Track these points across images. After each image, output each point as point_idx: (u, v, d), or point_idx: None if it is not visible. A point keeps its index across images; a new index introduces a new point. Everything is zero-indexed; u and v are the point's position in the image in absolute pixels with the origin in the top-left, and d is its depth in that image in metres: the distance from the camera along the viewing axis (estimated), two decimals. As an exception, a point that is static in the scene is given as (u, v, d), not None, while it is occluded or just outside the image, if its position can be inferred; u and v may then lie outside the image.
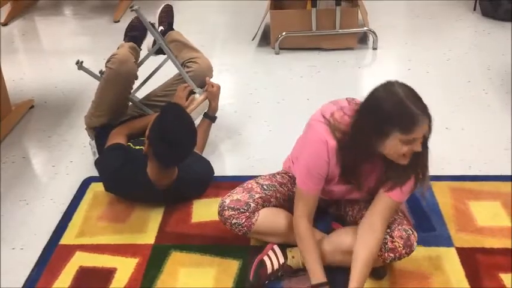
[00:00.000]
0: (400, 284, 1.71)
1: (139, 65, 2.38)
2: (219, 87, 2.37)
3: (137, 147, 2.15)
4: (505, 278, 1.72)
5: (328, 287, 1.63)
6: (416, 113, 1.42)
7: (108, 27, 4.02)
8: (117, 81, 2.24)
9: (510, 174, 2.19)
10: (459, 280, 1.72)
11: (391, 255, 1.63)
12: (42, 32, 4.12)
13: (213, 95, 2.35)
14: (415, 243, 1.65)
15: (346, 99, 1.70)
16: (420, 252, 1.78)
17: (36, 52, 3.75)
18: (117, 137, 2.15)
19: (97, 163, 2.20)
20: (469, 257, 1.79)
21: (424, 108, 1.44)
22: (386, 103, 1.45)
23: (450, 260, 1.80)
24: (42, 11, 4.45)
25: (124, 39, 2.51)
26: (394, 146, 1.46)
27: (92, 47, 3.78)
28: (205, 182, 2.21)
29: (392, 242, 1.63)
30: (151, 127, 1.93)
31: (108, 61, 2.25)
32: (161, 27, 2.60)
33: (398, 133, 1.43)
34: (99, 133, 2.30)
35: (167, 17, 2.67)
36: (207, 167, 2.24)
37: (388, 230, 1.64)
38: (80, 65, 2.25)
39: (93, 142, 2.30)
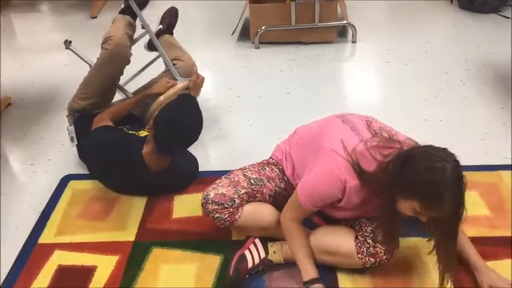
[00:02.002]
0: (381, 273, 1.72)
1: (132, 43, 2.41)
2: (203, 79, 2.38)
3: (130, 132, 2.15)
4: (483, 266, 1.74)
5: (320, 283, 1.64)
6: (446, 202, 1.36)
7: (85, 23, 3.97)
8: (110, 62, 2.27)
9: (487, 164, 2.22)
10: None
11: (372, 259, 1.64)
12: (18, 29, 4.06)
13: (195, 85, 2.34)
14: (396, 250, 1.66)
15: (366, 120, 1.65)
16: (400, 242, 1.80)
17: (13, 49, 3.68)
18: (103, 121, 2.14)
19: (86, 142, 2.17)
20: (448, 246, 1.81)
21: (453, 200, 1.37)
22: (426, 174, 1.36)
23: (429, 249, 1.81)
24: (18, 8, 4.37)
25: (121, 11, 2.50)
26: (405, 208, 1.44)
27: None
28: (191, 176, 2.22)
29: (374, 247, 1.63)
30: (160, 112, 1.94)
31: (104, 42, 2.27)
32: (160, 26, 2.70)
33: (417, 204, 1.40)
34: (78, 119, 2.29)
35: (169, 17, 2.76)
36: (194, 163, 2.25)
37: (372, 235, 1.64)
38: (67, 44, 2.24)
39: (72, 127, 2.28)
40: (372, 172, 1.48)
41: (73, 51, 2.28)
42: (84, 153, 2.28)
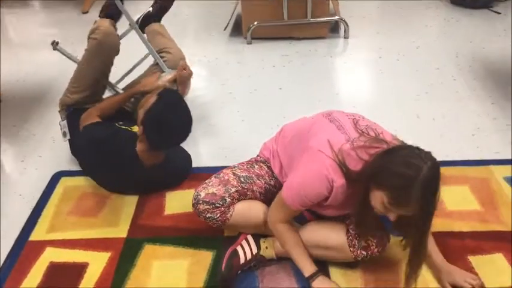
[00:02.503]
0: (372, 267, 1.73)
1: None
2: (190, 73, 2.34)
3: (123, 127, 2.14)
4: (473, 260, 1.76)
5: (321, 275, 1.65)
6: (414, 200, 1.35)
7: (76, 18, 3.95)
8: (99, 52, 2.23)
9: (477, 159, 2.23)
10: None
11: (364, 252, 1.65)
12: (10, 25, 4.03)
13: (182, 79, 2.31)
14: (387, 243, 1.67)
15: (353, 119, 1.63)
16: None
17: (4, 45, 3.65)
18: (91, 118, 2.12)
19: (78, 139, 2.16)
20: (439, 240, 1.80)
21: (422, 201, 1.35)
22: (400, 167, 1.36)
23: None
24: (9, 3, 4.34)
25: (100, 15, 2.48)
26: (375, 200, 1.44)
27: (61, 38, 3.66)
28: (183, 174, 2.21)
29: (365, 240, 1.64)
30: (147, 111, 1.90)
31: (91, 33, 2.23)
32: (150, 9, 2.62)
33: (385, 196, 1.39)
34: (71, 114, 2.27)
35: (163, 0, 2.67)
36: (187, 159, 2.25)
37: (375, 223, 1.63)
38: (55, 45, 2.21)
39: (64, 122, 2.27)
40: (358, 171, 1.48)
41: (61, 51, 2.26)
42: (76, 149, 2.27)
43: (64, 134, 2.26)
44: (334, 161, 1.50)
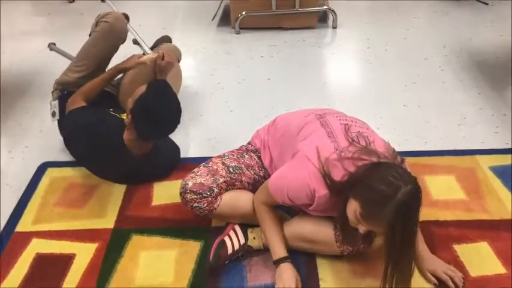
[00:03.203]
0: (360, 260, 1.74)
1: None
2: (169, 64, 2.28)
3: (116, 114, 2.13)
4: (458, 248, 1.77)
5: (288, 261, 1.66)
6: (385, 219, 1.32)
7: (63, 8, 3.90)
8: (108, 35, 2.27)
9: (463, 148, 2.25)
10: (415, 252, 1.77)
11: (350, 248, 1.66)
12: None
13: (160, 67, 2.26)
14: (374, 239, 1.67)
15: (345, 124, 1.60)
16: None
17: (-13, 35, 3.61)
18: (77, 103, 2.11)
19: (64, 123, 2.16)
20: (424, 230, 1.82)
21: (393, 222, 1.31)
22: (378, 183, 1.34)
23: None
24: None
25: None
26: (350, 208, 1.42)
27: (48, 28, 3.65)
28: (173, 163, 2.20)
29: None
30: (136, 100, 1.89)
31: (102, 17, 2.28)
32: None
33: (358, 207, 1.38)
34: (64, 96, 2.25)
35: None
36: (176, 150, 2.24)
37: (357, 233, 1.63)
38: (51, 46, 2.21)
39: (55, 102, 2.25)
40: (341, 182, 1.47)
41: (58, 51, 2.27)
42: (62, 133, 2.25)
43: (53, 114, 2.24)
44: (319, 171, 1.49)
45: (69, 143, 2.21)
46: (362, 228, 1.43)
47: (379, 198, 1.33)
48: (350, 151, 1.51)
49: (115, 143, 1.98)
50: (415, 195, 1.34)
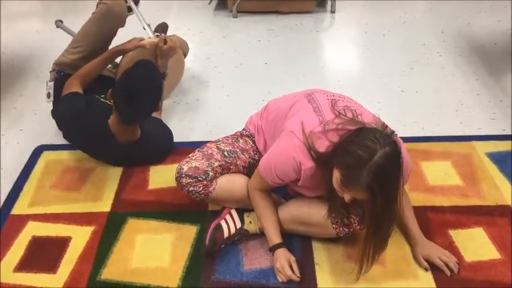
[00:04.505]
0: (354, 243, 1.74)
1: None
2: (171, 48, 2.28)
3: (102, 100, 2.11)
4: (454, 234, 1.78)
5: (283, 247, 1.66)
6: (363, 183, 1.32)
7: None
8: (107, 18, 2.25)
9: (460, 134, 2.25)
10: (410, 237, 1.78)
11: (345, 229, 1.66)
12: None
13: (160, 51, 2.26)
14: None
15: (332, 100, 1.59)
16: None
17: (-19, 16, 3.56)
18: (73, 87, 2.10)
19: (55, 108, 2.16)
20: (420, 215, 1.83)
21: (372, 184, 1.31)
22: (355, 147, 1.33)
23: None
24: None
25: None
26: (334, 178, 1.42)
27: (42, 10, 3.61)
28: (165, 150, 2.19)
29: (348, 217, 1.64)
30: (118, 79, 1.90)
31: (100, 1, 2.26)
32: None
33: (339, 174, 1.38)
34: (61, 78, 2.24)
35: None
36: (168, 135, 2.22)
37: (346, 207, 1.64)
38: (58, 23, 2.19)
39: (51, 83, 2.24)
40: (326, 153, 1.47)
41: (64, 29, 2.26)
42: (54, 118, 2.24)
43: (48, 95, 2.23)
44: (303, 144, 1.49)
45: (60, 128, 2.21)
46: (347, 197, 1.43)
47: (355, 162, 1.32)
48: (335, 123, 1.50)
49: (101, 130, 1.97)
50: (392, 157, 1.33)
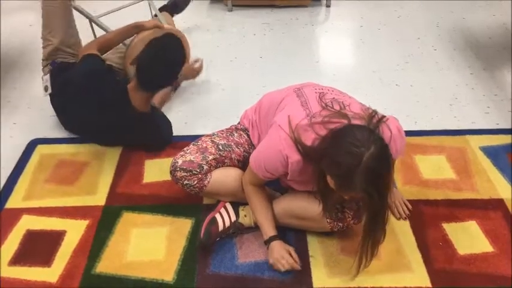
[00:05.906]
0: (349, 236, 1.76)
1: None
2: (199, 71, 2.52)
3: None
4: (447, 227, 1.79)
5: (277, 240, 1.67)
6: (358, 186, 1.31)
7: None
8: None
9: (454, 128, 2.26)
10: (404, 231, 1.79)
11: (340, 224, 1.67)
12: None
13: (190, 71, 2.46)
14: (363, 216, 1.67)
15: (320, 93, 1.59)
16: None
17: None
18: (89, 49, 2.16)
19: (74, 69, 2.17)
20: (414, 208, 1.85)
21: (367, 186, 1.31)
22: (343, 156, 1.31)
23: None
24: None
25: None
26: (329, 181, 1.41)
27: (35, 4, 3.58)
28: (166, 140, 2.20)
29: (342, 212, 1.65)
30: (145, 47, 2.00)
31: None
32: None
33: (333, 182, 1.38)
34: (54, 70, 2.24)
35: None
36: (170, 126, 2.25)
37: (340, 202, 1.65)
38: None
39: (46, 76, 2.24)
40: (310, 146, 1.47)
41: (79, 10, 2.38)
42: (67, 84, 2.17)
43: (46, 89, 2.22)
44: (290, 137, 1.49)
45: (73, 92, 2.13)
46: (346, 197, 1.44)
47: (344, 171, 1.32)
48: (322, 115, 1.50)
49: (119, 93, 2.02)
50: (380, 156, 1.31)
